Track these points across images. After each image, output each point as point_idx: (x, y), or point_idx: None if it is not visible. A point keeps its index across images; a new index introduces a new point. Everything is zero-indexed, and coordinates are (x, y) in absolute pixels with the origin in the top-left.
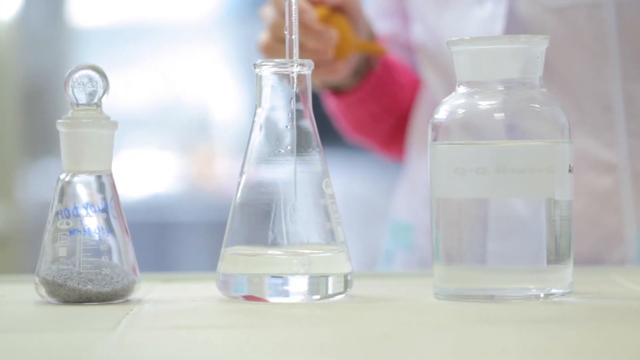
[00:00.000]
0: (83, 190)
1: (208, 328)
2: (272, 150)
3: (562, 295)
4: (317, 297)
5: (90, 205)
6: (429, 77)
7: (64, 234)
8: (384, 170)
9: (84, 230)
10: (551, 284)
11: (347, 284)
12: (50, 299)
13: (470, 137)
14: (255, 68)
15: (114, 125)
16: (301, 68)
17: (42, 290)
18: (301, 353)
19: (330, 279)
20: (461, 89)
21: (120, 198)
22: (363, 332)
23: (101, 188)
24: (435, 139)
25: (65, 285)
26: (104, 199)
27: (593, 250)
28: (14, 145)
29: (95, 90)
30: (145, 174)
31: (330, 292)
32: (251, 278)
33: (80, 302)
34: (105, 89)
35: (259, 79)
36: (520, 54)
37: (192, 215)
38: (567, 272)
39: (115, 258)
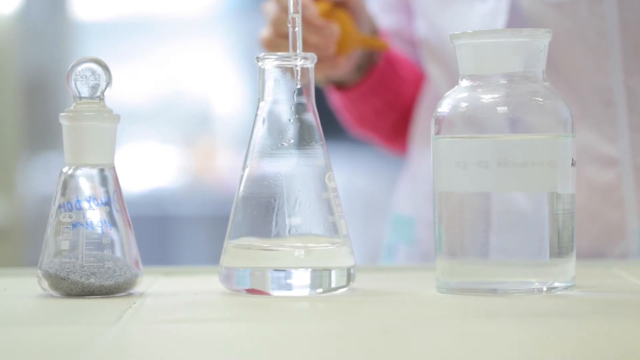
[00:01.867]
0: (86, 183)
1: (210, 321)
2: (275, 143)
3: (565, 288)
4: (320, 290)
5: (92, 198)
6: (432, 72)
7: (67, 227)
8: (387, 163)
9: (87, 224)
10: (554, 278)
11: (349, 277)
12: (52, 292)
13: (473, 131)
14: (258, 61)
15: (117, 118)
16: (304, 61)
17: (45, 284)
18: (303, 346)
19: (332, 273)
20: (464, 83)
21: (123, 191)
22: (365, 325)
23: (104, 181)
24: (437, 133)
25: (68, 278)
26: (107, 192)
27: (595, 244)
28: (16, 139)
29: (98, 84)
30: (147, 167)
31: (332, 285)
32: (254, 271)
33: (82, 295)
34: (108, 82)
35: (261, 72)
36: (523, 47)
37: (193, 209)
38: (569, 265)
39: (117, 251)
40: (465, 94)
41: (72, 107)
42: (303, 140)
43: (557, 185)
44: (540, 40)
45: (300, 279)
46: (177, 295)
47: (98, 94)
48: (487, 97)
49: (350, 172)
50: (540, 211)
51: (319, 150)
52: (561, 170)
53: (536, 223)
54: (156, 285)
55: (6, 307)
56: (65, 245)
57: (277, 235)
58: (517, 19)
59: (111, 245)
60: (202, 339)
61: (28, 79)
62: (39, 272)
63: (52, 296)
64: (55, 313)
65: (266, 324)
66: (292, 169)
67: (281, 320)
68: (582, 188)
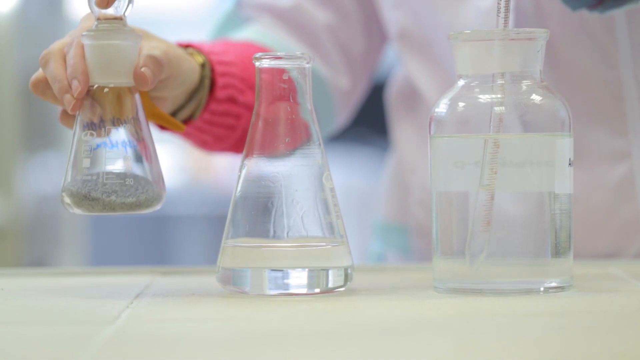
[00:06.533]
0: (109, 102)
1: (208, 321)
2: (273, 143)
3: (563, 288)
4: (317, 290)
5: (116, 118)
6: (410, 66)
7: (89, 146)
8: (385, 164)
9: (109, 142)
10: (551, 277)
11: (347, 277)
12: (76, 210)
13: (470, 131)
14: (255, 61)
15: (139, 37)
16: (301, 61)
17: (68, 201)
18: (301, 346)
19: (330, 272)
20: (461, 82)
21: None
22: (363, 325)
23: (127, 100)
24: (434, 133)
25: (89, 195)
26: (130, 110)
27: (612, 242)
28: (13, 139)
29: (119, 3)
30: None
31: (330, 285)
32: (251, 271)
33: (104, 212)
34: (130, 1)
35: (259, 72)
36: (521, 47)
37: (191, 209)
38: (567, 265)
39: (139, 169)
40: (462, 94)
41: (93, 27)
42: (300, 140)
43: (555, 185)
44: (538, 40)
45: (298, 279)
46: (175, 295)
47: (119, 13)
48: (484, 97)
49: (348, 172)
50: (537, 211)
51: (316, 150)
52: (559, 169)
53: (534, 223)
54: (154, 285)
55: (4, 307)
56: (86, 163)
57: (275, 235)
58: (522, 13)
59: (133, 163)
60: (199, 339)
61: (25, 79)
62: (61, 191)
63: (50, 295)
64: (52, 312)
65: (263, 324)
66: (289, 169)
67: (278, 320)
68: (594, 187)
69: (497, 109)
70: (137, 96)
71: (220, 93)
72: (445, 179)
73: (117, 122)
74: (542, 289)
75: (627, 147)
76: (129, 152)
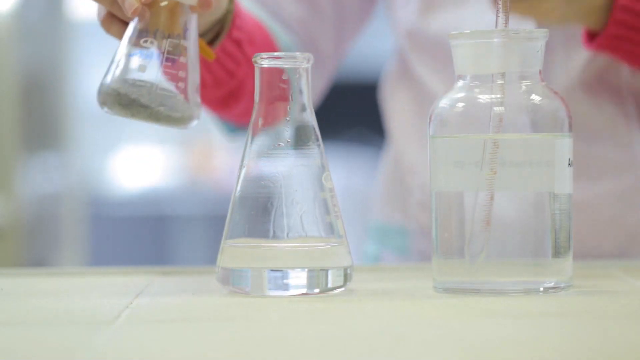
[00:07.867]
0: (165, 15)
1: (207, 321)
2: (272, 143)
3: (562, 288)
4: (317, 290)
5: (167, 32)
6: (417, 67)
7: (144, 53)
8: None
9: (163, 54)
10: (551, 278)
11: (346, 277)
12: (112, 110)
13: (470, 131)
14: (255, 62)
15: None
16: (300, 62)
17: (110, 100)
18: (300, 347)
19: (329, 273)
20: (460, 83)
21: (119, 191)
22: (362, 325)
23: (182, 18)
24: (434, 133)
25: (138, 101)
26: (185, 25)
27: (617, 251)
28: (13, 139)
29: None
30: (145, 167)
31: (329, 285)
32: (250, 271)
33: (147, 120)
34: None
35: (258, 72)
36: (520, 47)
37: (191, 209)
38: (566, 265)
39: (189, 87)
40: (462, 94)
41: None
42: (300, 140)
43: (554, 185)
44: (537, 40)
45: (297, 279)
46: (174, 295)
47: None
48: (484, 97)
49: (347, 173)
50: (537, 211)
51: (315, 150)
52: (558, 170)
53: (533, 223)
54: (153, 285)
55: (4, 307)
56: (142, 69)
57: (274, 236)
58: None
59: (184, 79)
60: (199, 339)
61: (25, 79)
62: (102, 89)
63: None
64: (53, 313)
65: (263, 324)
66: (289, 169)
67: (278, 320)
68: (601, 195)
69: (497, 109)
70: (194, 17)
71: (235, 32)
72: (445, 179)
73: (167, 37)
74: (541, 289)
75: (632, 158)
76: (182, 66)
